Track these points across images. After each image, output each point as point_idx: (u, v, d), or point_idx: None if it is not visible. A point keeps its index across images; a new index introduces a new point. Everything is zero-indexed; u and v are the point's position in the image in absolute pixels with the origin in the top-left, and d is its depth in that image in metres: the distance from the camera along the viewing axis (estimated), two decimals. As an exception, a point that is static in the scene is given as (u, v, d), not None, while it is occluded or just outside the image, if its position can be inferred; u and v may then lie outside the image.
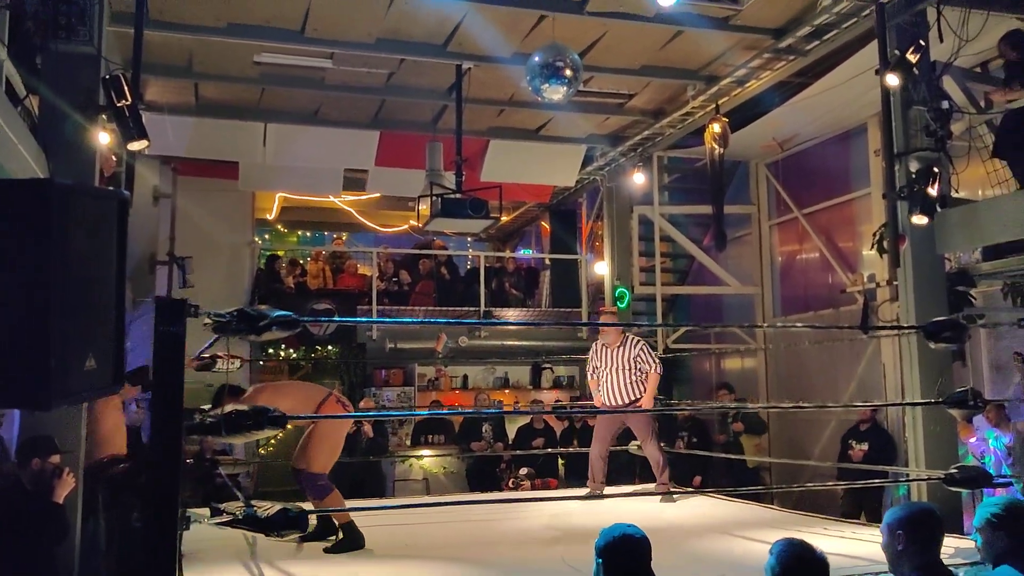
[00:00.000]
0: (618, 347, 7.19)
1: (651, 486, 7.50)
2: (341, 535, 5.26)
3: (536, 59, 6.73)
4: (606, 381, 7.24)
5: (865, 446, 8.31)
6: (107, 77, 5.74)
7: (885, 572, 3.42)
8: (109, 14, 6.24)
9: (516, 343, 11.86)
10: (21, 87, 5.82)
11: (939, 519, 3.10)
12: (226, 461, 9.04)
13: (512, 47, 7.78)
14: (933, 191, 6.36)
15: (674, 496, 7.18)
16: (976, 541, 3.38)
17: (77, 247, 2.46)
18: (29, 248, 2.33)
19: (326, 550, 5.20)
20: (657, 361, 7.24)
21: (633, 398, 7.19)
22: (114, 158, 9.02)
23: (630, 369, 7.15)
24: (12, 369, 2.31)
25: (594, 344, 7.52)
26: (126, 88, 5.75)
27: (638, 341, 7.30)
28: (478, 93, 8.83)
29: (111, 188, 5.28)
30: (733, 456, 9.33)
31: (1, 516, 4.33)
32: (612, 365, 7.20)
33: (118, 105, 5.72)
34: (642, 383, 7.17)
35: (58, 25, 5.64)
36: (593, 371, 7.42)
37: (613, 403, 7.20)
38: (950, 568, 3.12)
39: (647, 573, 2.79)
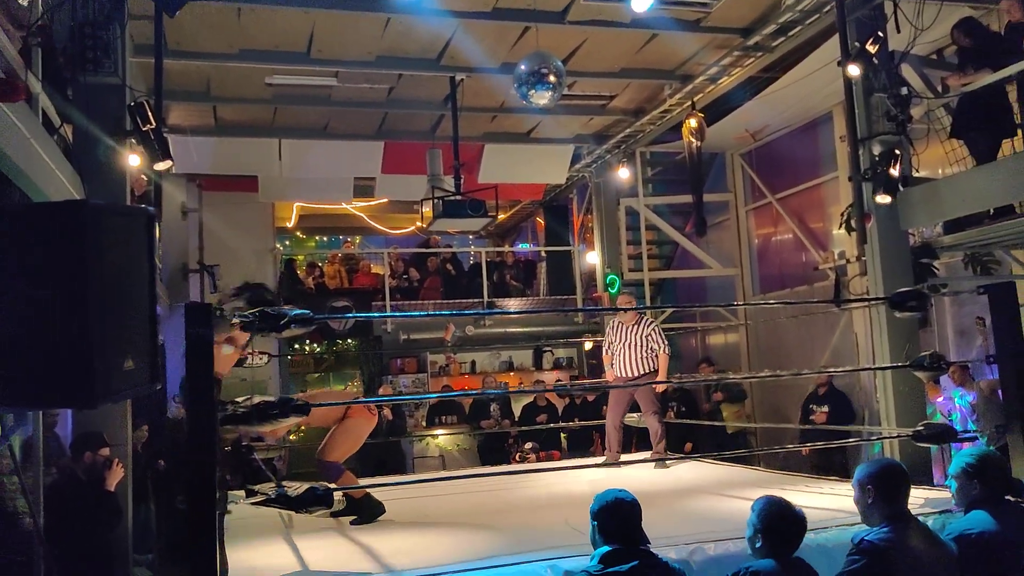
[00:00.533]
0: (633, 325, 7.31)
1: (647, 454, 7.57)
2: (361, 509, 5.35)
3: (522, 67, 6.75)
4: (620, 355, 7.36)
5: (826, 408, 8.41)
6: (132, 104, 5.78)
7: (857, 523, 3.47)
8: (131, 46, 6.29)
9: (518, 330, 11.92)
10: (56, 117, 5.88)
11: (904, 473, 3.12)
12: (260, 447, 9.10)
13: (500, 58, 7.82)
14: (895, 172, 6.37)
15: (668, 463, 7.25)
16: (951, 487, 3.43)
17: (111, 260, 2.51)
18: (68, 263, 2.38)
19: (352, 523, 5.28)
20: (666, 342, 7.36)
21: (643, 371, 7.30)
22: (144, 178, 9.11)
23: (642, 346, 7.27)
24: (59, 373, 2.36)
25: (611, 321, 7.63)
26: (150, 113, 5.80)
27: (651, 322, 7.44)
28: (471, 102, 8.86)
29: (139, 205, 5.32)
30: (717, 423, 9.39)
31: (59, 505, 4.40)
32: (626, 341, 7.32)
33: (144, 129, 5.77)
34: (652, 359, 7.29)
35: (86, 59, 5.69)
36: (608, 346, 7.53)
37: (626, 375, 7.32)
38: (918, 516, 3.16)
39: (637, 532, 2.84)
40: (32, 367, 2.40)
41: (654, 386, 7.28)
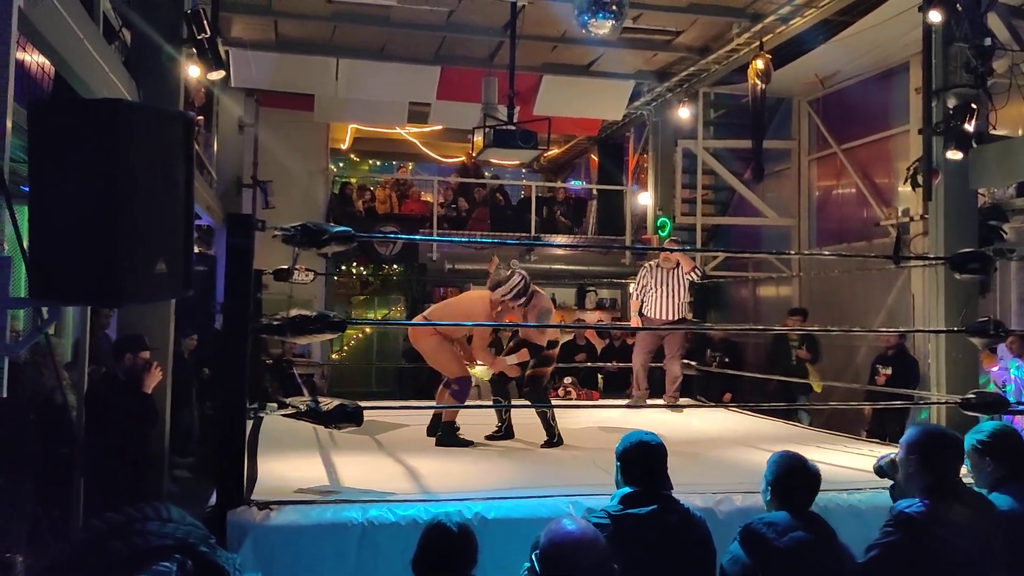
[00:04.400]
0: (672, 269, 7.16)
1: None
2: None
3: (584, -6, 6.50)
4: (655, 298, 7.21)
5: (889, 371, 8.09)
6: (188, 12, 5.72)
7: (885, 488, 3.33)
8: (193, -48, 6.19)
9: (563, 267, 11.80)
10: (116, 20, 5.85)
11: (955, 442, 2.84)
12: (301, 363, 9.27)
13: (565, -16, 7.52)
14: (970, 127, 6.04)
15: (681, 408, 7.09)
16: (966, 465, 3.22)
17: (145, 161, 2.47)
18: (101, 160, 2.35)
19: (437, 443, 5.36)
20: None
21: (679, 316, 7.19)
22: (203, 90, 9.12)
23: (679, 290, 7.15)
24: (88, 269, 2.35)
25: (647, 264, 7.43)
26: (206, 22, 5.74)
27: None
28: (532, 30, 8.61)
29: (178, 110, 5.29)
30: (760, 376, 9.12)
31: (99, 404, 4.52)
32: (664, 283, 7.18)
33: (199, 38, 5.72)
34: (687, 305, 7.14)
35: (147, -38, 5.63)
36: (641, 290, 7.35)
37: (661, 318, 7.19)
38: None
39: (661, 475, 2.78)
40: (63, 262, 2.39)
41: (686, 332, 7.15)
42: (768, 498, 2.79)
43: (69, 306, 3.72)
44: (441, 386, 5.77)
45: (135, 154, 2.39)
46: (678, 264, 7.17)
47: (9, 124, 2.97)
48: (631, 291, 7.53)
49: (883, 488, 3.82)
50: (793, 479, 2.74)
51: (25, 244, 2.63)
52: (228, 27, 8.87)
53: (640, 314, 7.36)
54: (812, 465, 2.78)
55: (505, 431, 5.69)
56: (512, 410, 5.73)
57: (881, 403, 7.28)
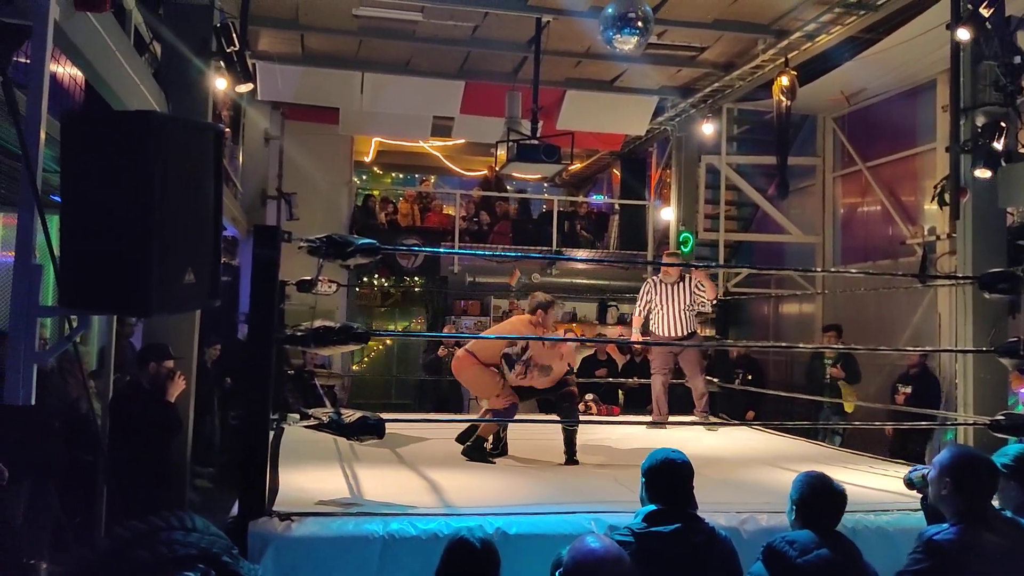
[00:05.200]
0: (676, 283, 7.00)
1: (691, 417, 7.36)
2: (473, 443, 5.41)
3: (609, 10, 6.51)
4: (662, 315, 7.04)
5: (909, 390, 7.97)
6: (218, 25, 5.80)
7: (916, 509, 3.27)
8: (222, -33, 6.28)
9: (584, 281, 11.77)
10: (147, 34, 5.95)
11: (991, 468, 2.78)
12: (322, 374, 9.30)
13: (589, 1, 7.53)
14: (998, 145, 5.99)
15: (713, 427, 7.01)
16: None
17: (176, 172, 2.49)
18: (133, 171, 2.37)
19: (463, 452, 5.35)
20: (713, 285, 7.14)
21: (688, 332, 7.05)
22: (229, 102, 9.23)
23: (686, 303, 6.96)
24: (118, 279, 2.37)
25: (650, 280, 7.28)
26: (235, 36, 5.81)
27: (693, 277, 7.09)
28: (556, 45, 8.63)
29: (209, 122, 5.35)
30: (784, 394, 9.04)
31: (123, 412, 4.55)
32: (669, 299, 7.00)
33: (227, 51, 5.79)
34: (695, 319, 7.03)
35: (177, -24, 5.72)
36: (646, 306, 7.21)
37: (669, 335, 7.03)
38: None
39: (686, 494, 2.75)
40: (94, 271, 2.41)
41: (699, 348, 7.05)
42: (793, 517, 2.74)
43: (98, 315, 3.75)
44: (484, 409, 5.74)
45: (167, 165, 2.42)
46: (682, 278, 6.98)
47: (43, 135, 3.01)
48: (636, 307, 7.35)
49: (911, 510, 3.76)
50: (818, 499, 2.69)
51: (56, 253, 2.66)
52: (255, 40, 8.99)
53: (647, 331, 7.25)
54: (838, 485, 2.73)
55: (501, 448, 5.60)
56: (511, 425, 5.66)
57: (907, 423, 7.18)
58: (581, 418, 8.10)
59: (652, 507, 2.70)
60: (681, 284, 7.00)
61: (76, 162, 2.53)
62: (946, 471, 2.76)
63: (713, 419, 7.24)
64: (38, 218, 2.85)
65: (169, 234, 2.45)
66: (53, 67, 4.08)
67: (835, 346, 8.33)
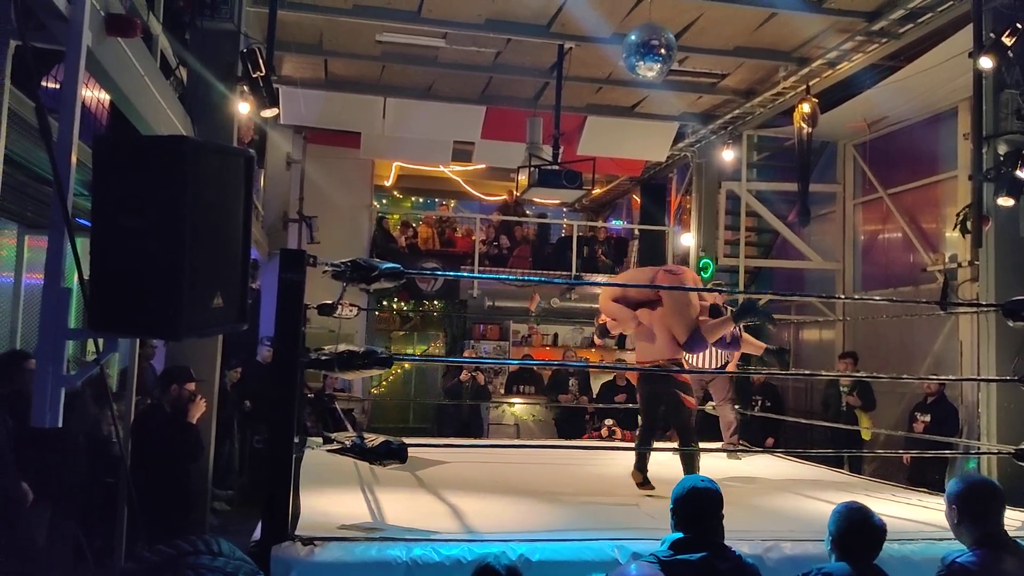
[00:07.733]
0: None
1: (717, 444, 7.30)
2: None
3: (632, 38, 6.54)
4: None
5: (927, 418, 7.87)
6: (244, 51, 5.88)
7: (948, 539, 3.23)
8: (249, -5, 6.39)
9: (604, 306, 11.73)
10: (173, 59, 6.04)
11: (995, 492, 2.84)
12: (343, 397, 9.31)
13: (611, 28, 7.59)
14: (1021, 174, 5.93)
15: (740, 455, 6.95)
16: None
17: (207, 197, 2.51)
18: (165, 196, 2.40)
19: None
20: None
21: (720, 363, 7.02)
22: (252, 126, 9.34)
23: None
24: (149, 303, 2.38)
25: None
26: (261, 61, 5.89)
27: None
28: (578, 71, 8.68)
29: (240, 147, 5.41)
30: (804, 421, 8.94)
31: (145, 435, 4.56)
32: None
33: (254, 76, 5.87)
34: (722, 353, 6.93)
35: (204, 4, 5.81)
36: None
37: (701, 366, 7.01)
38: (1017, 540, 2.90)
39: (713, 523, 2.72)
40: (124, 296, 2.43)
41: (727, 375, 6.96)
42: (829, 548, 2.72)
43: (126, 338, 3.78)
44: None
45: (198, 190, 2.44)
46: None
47: (74, 159, 3.05)
48: None
49: (936, 539, 3.70)
50: (857, 533, 2.67)
51: (85, 276, 2.68)
52: (280, 65, 9.10)
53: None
54: (878, 519, 2.70)
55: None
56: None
57: (930, 452, 7.07)
58: (602, 444, 8.08)
59: (679, 534, 2.68)
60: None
61: (108, 186, 2.56)
62: (952, 499, 2.82)
63: (741, 448, 7.17)
64: (68, 242, 2.88)
65: (199, 258, 2.47)
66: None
67: (857, 374, 8.23)
